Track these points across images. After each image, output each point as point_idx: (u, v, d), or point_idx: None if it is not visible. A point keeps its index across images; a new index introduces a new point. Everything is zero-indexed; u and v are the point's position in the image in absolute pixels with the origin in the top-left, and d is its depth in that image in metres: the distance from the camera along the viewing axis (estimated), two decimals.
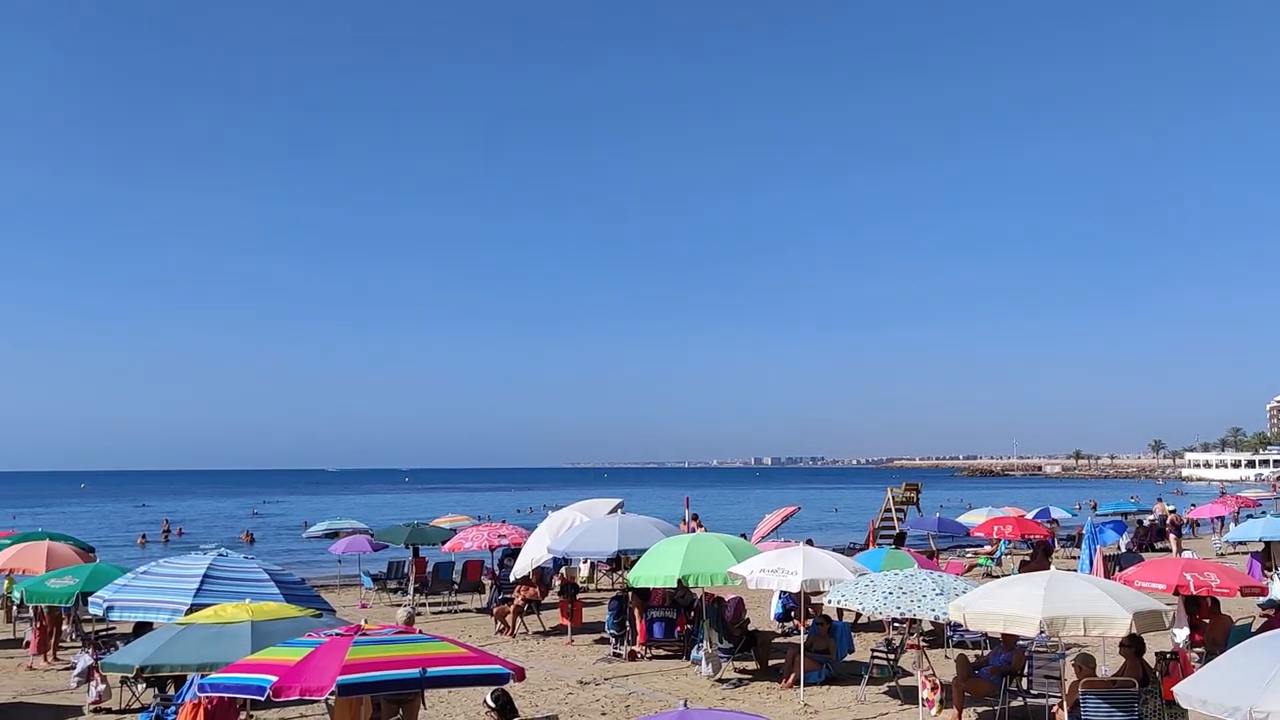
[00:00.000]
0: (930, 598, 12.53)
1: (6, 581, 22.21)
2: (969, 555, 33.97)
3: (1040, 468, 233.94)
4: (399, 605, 23.38)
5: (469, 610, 24.58)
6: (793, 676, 14.86)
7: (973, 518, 35.00)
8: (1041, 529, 31.13)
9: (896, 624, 17.45)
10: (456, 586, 25.96)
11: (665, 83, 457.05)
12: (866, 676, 14.76)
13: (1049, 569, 12.67)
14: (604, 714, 13.65)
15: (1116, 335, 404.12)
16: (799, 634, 15.24)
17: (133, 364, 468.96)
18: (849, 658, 16.21)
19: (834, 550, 18.11)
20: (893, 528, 37.56)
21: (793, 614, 19.36)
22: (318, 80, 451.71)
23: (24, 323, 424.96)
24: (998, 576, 21.56)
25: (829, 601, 13.64)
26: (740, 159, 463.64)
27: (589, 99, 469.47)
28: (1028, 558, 30.87)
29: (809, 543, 19.36)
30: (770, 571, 14.54)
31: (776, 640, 17.91)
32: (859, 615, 19.99)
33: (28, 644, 18.74)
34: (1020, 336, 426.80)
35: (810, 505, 66.47)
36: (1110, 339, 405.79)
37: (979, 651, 16.04)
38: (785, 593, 19.15)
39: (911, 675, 14.34)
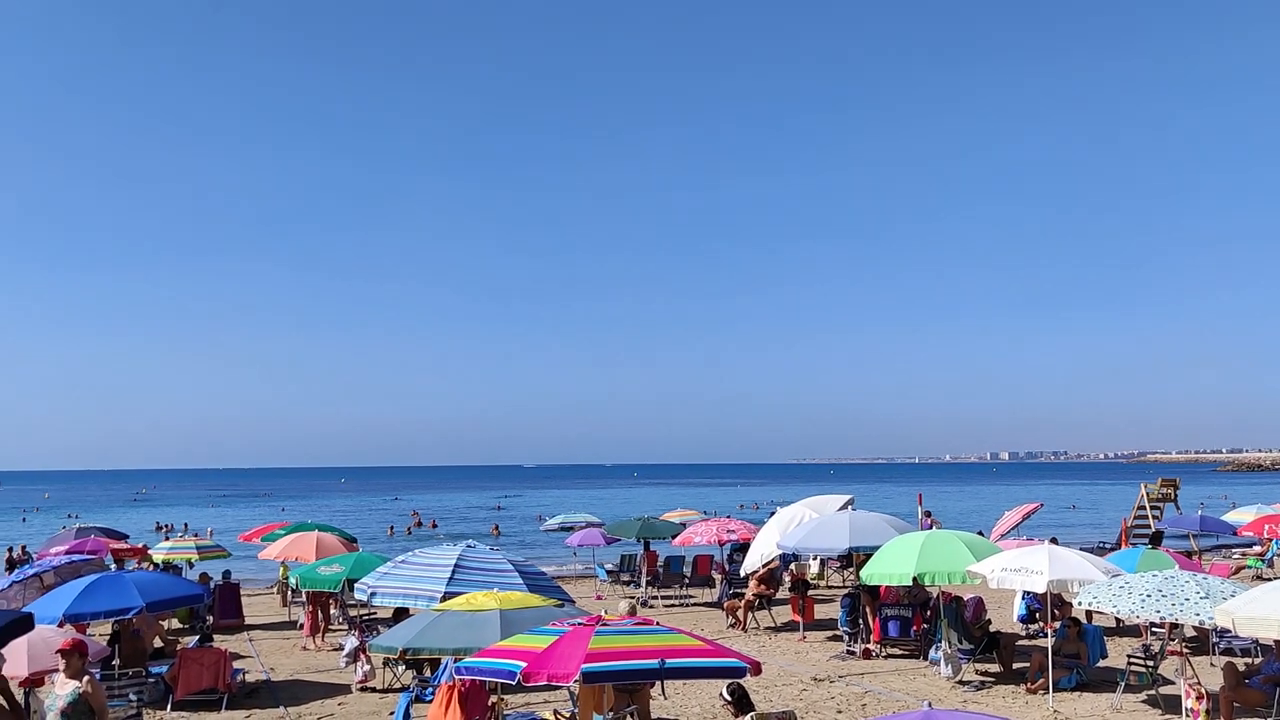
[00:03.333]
0: (1194, 601, 11.66)
1: (282, 569, 24.33)
2: (1236, 556, 31.52)
3: None
4: (632, 597, 24.01)
5: (700, 604, 24.89)
6: (1041, 681, 14.18)
7: (1240, 515, 32.36)
8: None
9: (1155, 629, 16.35)
10: (687, 580, 26.33)
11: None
12: (1123, 684, 13.88)
13: None
14: (840, 712, 13.49)
15: None
16: (1045, 637, 14.53)
17: (380, 369, 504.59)
18: (1102, 663, 15.30)
19: (1081, 550, 17.14)
20: (1148, 526, 35.28)
21: (1038, 615, 18.49)
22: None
23: (273, 328, 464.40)
24: (1270, 579, 19.77)
25: (1079, 603, 12.93)
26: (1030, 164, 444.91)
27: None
28: None
29: (1053, 541, 18.43)
30: (1013, 570, 13.93)
31: (1020, 643, 17.14)
32: (1120, 620, 18.85)
33: (301, 626, 20.44)
34: None
35: (1050, 502, 63.09)
36: None
37: (1249, 660, 14.82)
38: (1029, 593, 18.32)
39: (1173, 683, 13.42)
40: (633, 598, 23.85)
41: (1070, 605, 15.13)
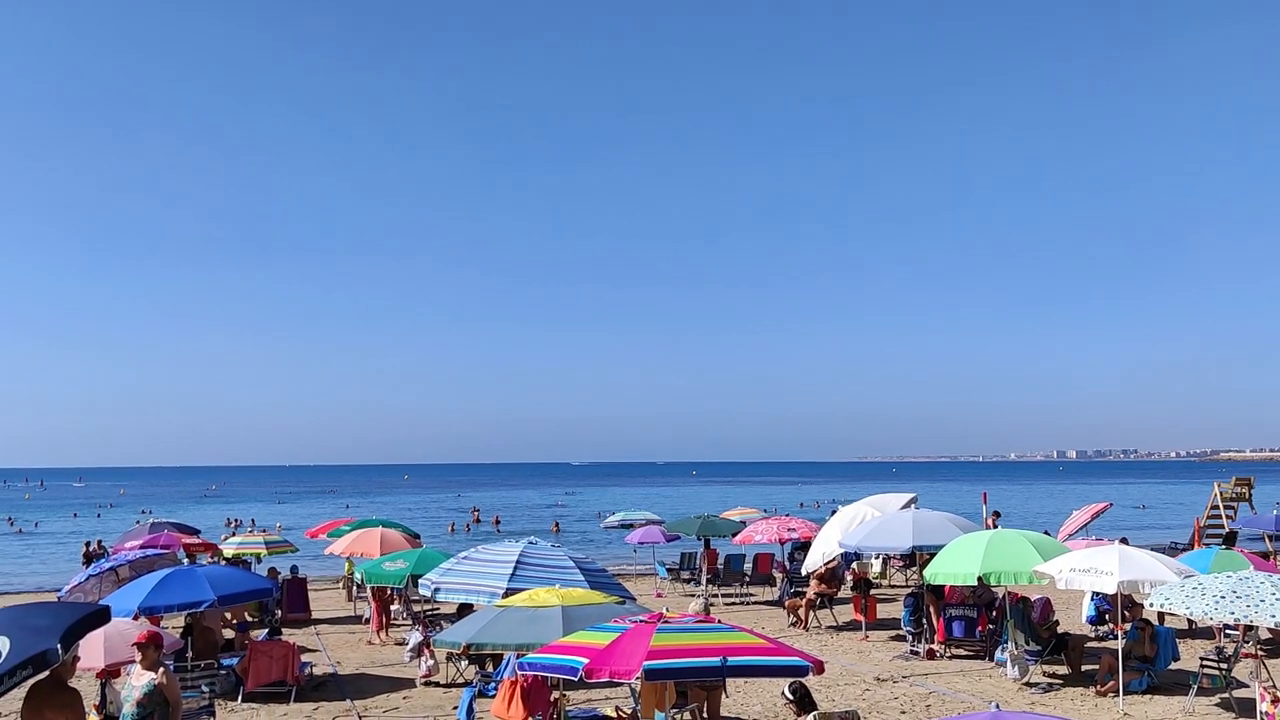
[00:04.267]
0: (1269, 602, 11.34)
1: (348, 564, 24.72)
2: None
3: None
4: (693, 595, 23.98)
5: (760, 602, 24.79)
6: (1111, 683, 13.89)
7: None
8: None
9: (1229, 631, 15.95)
10: (748, 579, 26.24)
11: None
12: (1195, 686, 13.54)
13: None
14: (903, 712, 13.35)
15: None
16: (1116, 638, 14.23)
17: (448, 370, 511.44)
18: (1174, 666, 14.94)
19: (1153, 550, 16.77)
20: (1221, 526, 34.38)
21: (1107, 617, 18.14)
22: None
23: (340, 331, 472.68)
24: None
25: (1150, 605, 12.64)
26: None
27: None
28: None
29: (1123, 541, 18.06)
30: (1082, 571, 13.67)
31: (1089, 644, 16.82)
32: (1192, 622, 18.41)
33: (366, 620, 20.74)
34: None
35: (1120, 502, 61.75)
36: None
37: None
38: (1099, 594, 17.97)
39: (1247, 686, 13.07)
40: (692, 594, 23.82)
41: (1141, 607, 14.79)
